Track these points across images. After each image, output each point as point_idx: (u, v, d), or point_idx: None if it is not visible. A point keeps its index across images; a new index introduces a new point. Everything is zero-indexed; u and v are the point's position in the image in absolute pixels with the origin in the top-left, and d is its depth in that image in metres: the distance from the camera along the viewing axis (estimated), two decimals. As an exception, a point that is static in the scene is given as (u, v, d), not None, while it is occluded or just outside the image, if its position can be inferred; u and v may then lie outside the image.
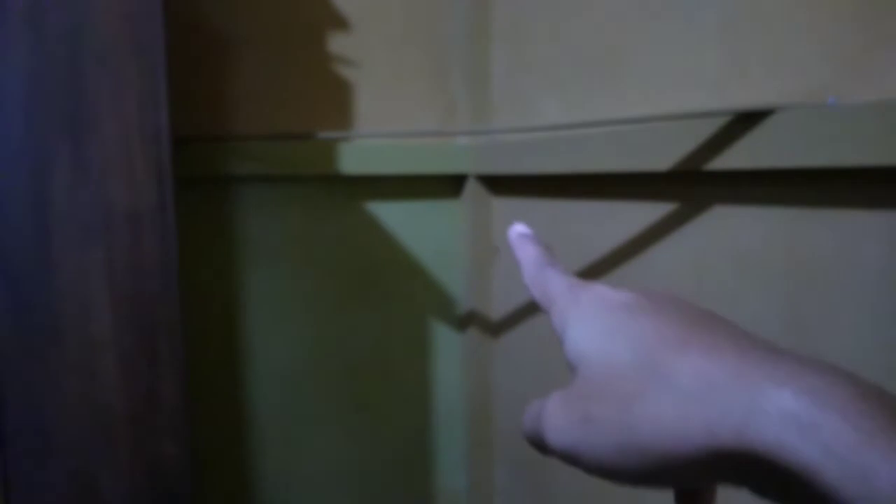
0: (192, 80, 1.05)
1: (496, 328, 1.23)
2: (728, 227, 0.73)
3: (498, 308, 1.22)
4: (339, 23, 1.12)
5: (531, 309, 1.10)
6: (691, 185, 0.77)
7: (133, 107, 0.60)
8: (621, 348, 0.25)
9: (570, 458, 0.26)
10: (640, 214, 0.85)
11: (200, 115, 1.06)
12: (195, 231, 1.07)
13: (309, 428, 1.17)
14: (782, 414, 0.19)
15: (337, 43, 1.13)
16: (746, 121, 0.65)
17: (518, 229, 0.37)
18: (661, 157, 0.75)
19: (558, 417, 0.26)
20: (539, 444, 0.28)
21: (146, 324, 0.62)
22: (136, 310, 0.62)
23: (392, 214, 1.20)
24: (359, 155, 1.11)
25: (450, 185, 1.23)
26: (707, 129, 0.69)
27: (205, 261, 1.08)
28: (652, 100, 0.82)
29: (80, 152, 0.59)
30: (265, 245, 1.11)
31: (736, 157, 0.66)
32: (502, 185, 1.18)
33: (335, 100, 1.14)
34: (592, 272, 0.94)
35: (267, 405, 1.14)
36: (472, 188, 1.20)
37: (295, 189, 1.12)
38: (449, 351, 1.27)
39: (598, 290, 0.29)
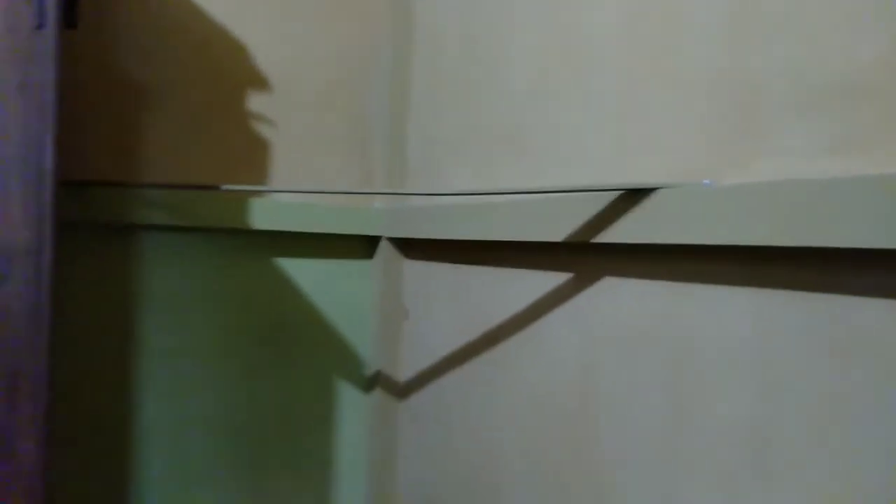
0: (102, 125, 1.03)
1: (403, 390, 1.21)
2: (615, 298, 0.75)
3: (405, 370, 1.20)
4: (260, 82, 1.13)
5: (437, 371, 1.10)
6: (584, 257, 0.80)
7: (15, 143, 0.58)
8: None
9: None
10: (537, 282, 0.87)
11: (106, 160, 1.03)
12: (88, 277, 1.02)
13: (201, 492, 1.11)
14: None
15: (256, 101, 1.13)
16: (632, 197, 0.68)
17: None
18: (556, 228, 0.77)
19: None
20: None
21: (7, 372, 0.58)
22: (-3, 356, 0.58)
23: (303, 272, 1.18)
24: (272, 211, 1.10)
25: (363, 246, 1.23)
26: (597, 204, 0.72)
27: (96, 309, 1.03)
28: (550, 174, 0.86)
29: (-52, 186, 0.56)
30: (165, 296, 1.08)
31: (622, 232, 0.69)
32: (413, 248, 1.18)
33: (251, 157, 1.13)
34: (492, 337, 0.95)
35: (152, 467, 1.07)
36: (384, 250, 1.21)
37: (201, 241, 1.10)
38: (354, 411, 1.24)
39: None
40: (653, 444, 0.70)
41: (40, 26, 0.57)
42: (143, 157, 1.05)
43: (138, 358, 1.06)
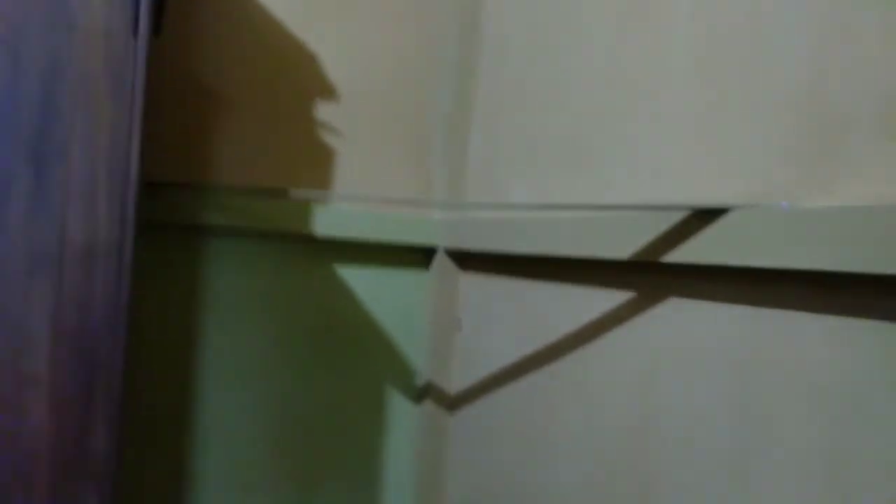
0: (175, 128, 1.06)
1: (454, 403, 1.21)
2: (681, 319, 0.73)
3: (457, 383, 1.20)
4: (327, 90, 1.16)
5: (491, 386, 1.09)
6: (649, 276, 0.78)
7: (104, 145, 0.61)
8: None
9: None
10: (599, 300, 0.86)
11: (176, 162, 1.06)
12: (158, 277, 1.05)
13: (249, 496, 1.13)
14: None
15: (323, 109, 1.16)
16: (703, 217, 0.67)
17: None
18: (622, 246, 0.76)
19: None
20: None
21: (86, 364, 0.61)
22: (78, 348, 0.60)
23: (359, 280, 1.20)
24: (333, 218, 1.12)
25: (419, 257, 1.24)
26: (666, 222, 0.71)
27: (163, 307, 1.06)
28: (616, 191, 0.85)
29: (42, 181, 0.59)
30: (228, 298, 1.10)
31: (691, 252, 0.68)
32: (470, 260, 1.19)
33: (316, 164, 1.16)
34: (550, 354, 0.94)
35: (208, 467, 1.09)
36: (440, 261, 1.21)
37: (266, 245, 1.12)
38: (404, 422, 1.24)
39: None
40: (719, 472, 0.68)
41: (134, 32, 0.60)
42: (212, 160, 1.09)
43: (199, 358, 1.09)
